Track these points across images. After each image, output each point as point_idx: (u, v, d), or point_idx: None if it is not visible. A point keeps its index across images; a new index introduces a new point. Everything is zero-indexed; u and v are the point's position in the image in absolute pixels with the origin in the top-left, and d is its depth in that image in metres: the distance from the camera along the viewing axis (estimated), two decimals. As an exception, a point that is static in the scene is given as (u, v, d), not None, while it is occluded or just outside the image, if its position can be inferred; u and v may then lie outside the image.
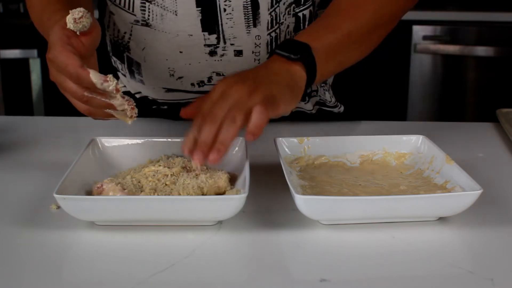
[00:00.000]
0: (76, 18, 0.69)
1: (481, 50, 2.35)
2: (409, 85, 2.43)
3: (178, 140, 0.79)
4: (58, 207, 0.69)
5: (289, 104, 0.74)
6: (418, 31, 2.36)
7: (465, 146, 0.93)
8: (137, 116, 0.73)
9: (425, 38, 2.36)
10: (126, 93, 1.06)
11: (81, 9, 0.70)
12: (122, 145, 0.79)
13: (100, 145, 0.79)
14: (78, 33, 0.70)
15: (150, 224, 0.65)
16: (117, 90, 0.69)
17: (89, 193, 0.69)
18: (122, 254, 0.60)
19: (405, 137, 0.81)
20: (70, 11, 0.70)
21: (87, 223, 0.66)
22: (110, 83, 0.68)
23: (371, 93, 2.33)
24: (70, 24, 0.69)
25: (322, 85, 1.00)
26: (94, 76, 0.67)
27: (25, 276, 0.56)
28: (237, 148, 0.77)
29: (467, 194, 0.64)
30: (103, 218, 0.65)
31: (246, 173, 0.68)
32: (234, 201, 0.62)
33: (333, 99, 1.03)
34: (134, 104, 0.71)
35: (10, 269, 0.57)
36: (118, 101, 0.70)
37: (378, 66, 2.36)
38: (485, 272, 0.57)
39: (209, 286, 0.55)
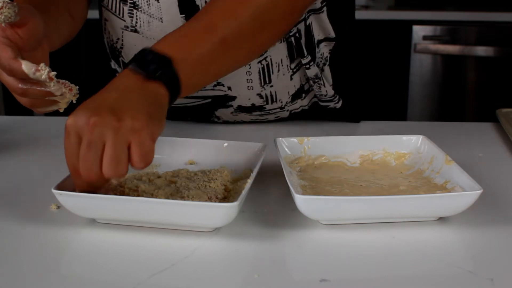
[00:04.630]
0: None
1: (481, 50, 2.35)
2: (409, 85, 2.43)
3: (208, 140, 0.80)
4: (58, 207, 0.69)
5: (160, 122, 0.65)
6: (418, 31, 2.36)
7: (465, 146, 0.93)
8: (79, 94, 0.72)
9: (425, 38, 2.37)
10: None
11: (1, 0, 0.67)
12: None
13: None
14: (3, 24, 0.68)
15: (144, 225, 0.64)
16: (51, 79, 0.68)
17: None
18: (123, 254, 0.60)
19: (405, 137, 0.81)
20: None
21: (88, 223, 0.66)
22: (42, 72, 0.68)
23: (371, 93, 2.33)
24: None
25: (316, 80, 0.98)
26: (26, 66, 0.67)
27: (25, 275, 0.56)
28: (256, 154, 0.76)
29: (467, 194, 0.64)
30: (98, 216, 0.65)
31: (249, 181, 0.67)
32: (225, 209, 0.60)
33: (330, 93, 1.00)
34: (72, 85, 0.71)
35: (10, 268, 0.57)
36: (54, 87, 0.69)
37: (378, 66, 2.36)
38: (485, 272, 0.57)
39: (209, 285, 0.55)
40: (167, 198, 0.66)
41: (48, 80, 0.68)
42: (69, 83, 0.71)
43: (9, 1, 0.68)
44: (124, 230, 0.64)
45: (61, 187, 0.64)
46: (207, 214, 0.61)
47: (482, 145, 0.93)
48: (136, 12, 0.90)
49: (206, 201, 0.66)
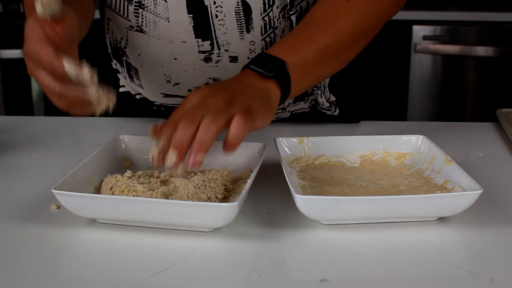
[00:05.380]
0: (43, 2, 0.66)
1: (481, 50, 2.35)
2: (409, 85, 2.43)
3: None
4: (58, 207, 0.69)
5: (266, 118, 0.72)
6: (418, 31, 2.37)
7: (465, 146, 0.93)
8: (115, 101, 0.70)
9: (425, 38, 2.37)
10: (126, 93, 1.07)
11: None
12: (145, 143, 0.80)
13: (116, 144, 0.79)
14: (48, 17, 0.66)
15: (144, 225, 0.64)
16: (92, 78, 0.66)
17: (98, 189, 0.70)
18: (123, 254, 0.60)
19: (405, 137, 0.81)
20: None
21: (88, 223, 0.66)
22: (84, 70, 0.66)
23: (371, 93, 2.33)
24: (38, 9, 0.66)
25: (315, 89, 0.99)
26: (68, 64, 0.65)
27: (25, 275, 0.56)
28: (256, 154, 0.77)
29: (467, 194, 0.64)
30: (98, 216, 0.65)
31: (249, 181, 0.67)
32: (225, 209, 0.60)
33: (326, 104, 1.02)
34: (110, 90, 0.69)
35: (10, 268, 0.57)
36: (92, 90, 0.67)
37: (378, 66, 2.36)
38: (485, 272, 0.57)
39: (209, 285, 0.55)
40: (167, 198, 0.66)
41: (89, 78, 0.66)
42: (108, 87, 0.68)
43: None
44: (124, 230, 0.64)
45: (61, 187, 0.64)
46: (207, 214, 0.61)
47: (482, 145, 0.93)
48: (142, 12, 0.90)
49: (206, 201, 0.66)
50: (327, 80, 1.01)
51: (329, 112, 1.03)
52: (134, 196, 0.66)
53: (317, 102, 1.01)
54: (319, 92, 0.99)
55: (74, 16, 0.70)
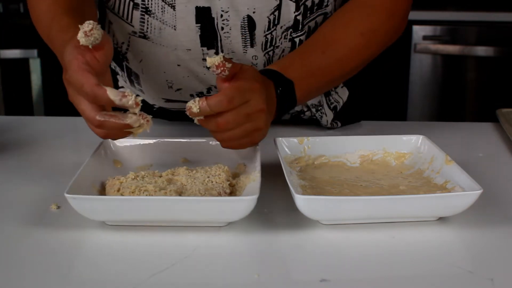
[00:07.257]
0: (86, 31, 0.67)
1: (481, 50, 2.35)
2: (409, 85, 2.43)
3: (192, 140, 0.80)
4: (59, 207, 0.69)
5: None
6: (418, 31, 2.36)
7: (465, 146, 0.93)
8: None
9: (425, 38, 2.36)
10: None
11: (90, 21, 0.67)
12: (134, 145, 0.80)
13: (111, 145, 0.79)
14: (90, 46, 0.68)
15: (159, 224, 0.64)
16: (137, 104, 0.66)
17: (101, 191, 0.70)
18: (122, 254, 0.60)
19: (405, 137, 0.81)
20: (79, 26, 0.67)
21: (88, 223, 0.65)
22: (129, 98, 0.66)
23: (371, 93, 2.33)
24: (81, 39, 0.67)
25: (319, 108, 1.00)
26: (112, 93, 0.65)
27: (24, 275, 0.56)
28: (249, 148, 0.77)
29: (467, 194, 0.64)
30: (112, 218, 0.65)
31: (258, 175, 0.68)
32: (244, 203, 0.62)
33: (329, 125, 1.02)
34: (148, 116, 0.68)
35: (10, 268, 0.58)
36: (132, 119, 0.67)
37: (378, 66, 2.36)
38: (485, 272, 0.57)
39: (209, 286, 0.55)
40: (180, 196, 0.66)
41: (134, 106, 0.66)
42: (145, 114, 0.68)
43: (96, 23, 0.67)
44: (124, 230, 0.64)
45: (72, 191, 0.63)
46: (226, 208, 0.62)
47: (482, 145, 0.93)
48: (148, 18, 0.90)
49: (217, 196, 0.66)
50: (340, 95, 1.02)
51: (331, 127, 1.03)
52: (147, 195, 0.66)
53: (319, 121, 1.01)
54: (324, 112, 1.00)
55: (111, 41, 0.71)
